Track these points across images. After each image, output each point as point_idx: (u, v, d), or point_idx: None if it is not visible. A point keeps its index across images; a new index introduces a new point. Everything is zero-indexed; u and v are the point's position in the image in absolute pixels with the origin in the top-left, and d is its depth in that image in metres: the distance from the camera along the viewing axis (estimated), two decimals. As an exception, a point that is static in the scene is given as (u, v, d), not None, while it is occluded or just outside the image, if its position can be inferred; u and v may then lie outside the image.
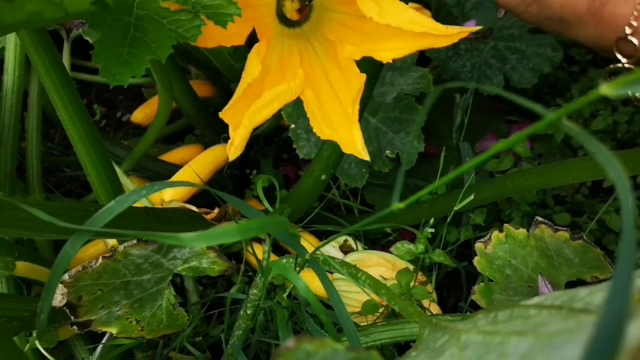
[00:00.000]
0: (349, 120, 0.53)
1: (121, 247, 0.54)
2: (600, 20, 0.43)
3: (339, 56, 0.54)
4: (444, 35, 0.48)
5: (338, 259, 0.54)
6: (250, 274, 0.80)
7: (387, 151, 0.81)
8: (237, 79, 0.97)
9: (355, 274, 0.48)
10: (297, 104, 0.88)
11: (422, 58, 0.89)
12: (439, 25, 0.48)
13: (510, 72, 0.88)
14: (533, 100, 1.07)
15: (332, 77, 0.56)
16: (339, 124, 0.54)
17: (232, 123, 0.49)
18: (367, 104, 0.74)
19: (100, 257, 0.54)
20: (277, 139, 1.04)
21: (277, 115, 0.99)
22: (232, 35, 0.47)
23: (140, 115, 0.98)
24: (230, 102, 0.49)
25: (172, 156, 0.95)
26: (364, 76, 0.52)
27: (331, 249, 0.79)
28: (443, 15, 0.95)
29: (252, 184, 0.97)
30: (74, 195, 0.99)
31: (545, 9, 0.44)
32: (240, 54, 0.92)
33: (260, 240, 0.84)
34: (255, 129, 1.03)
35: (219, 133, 0.97)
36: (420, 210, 0.80)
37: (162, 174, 0.90)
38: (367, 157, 0.52)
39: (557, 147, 0.93)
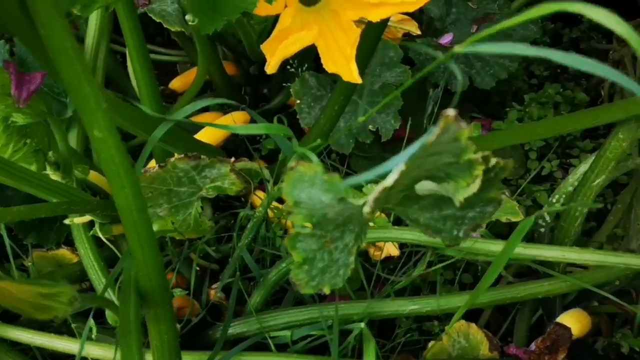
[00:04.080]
0: (348, 59, 0.75)
1: (172, 159, 0.76)
2: None
3: (342, 20, 0.77)
4: (412, 3, 0.72)
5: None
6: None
7: (370, 126, 1.04)
8: (258, 60, 1.21)
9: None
10: (304, 84, 1.10)
11: (406, 58, 1.11)
12: None
13: (475, 75, 1.11)
14: (499, 104, 1.30)
15: (336, 34, 0.79)
16: (340, 63, 0.77)
17: (270, 52, 0.72)
18: (359, 91, 0.97)
19: (157, 166, 0.76)
20: (284, 114, 1.27)
21: (285, 94, 1.22)
22: (275, 6, 0.70)
23: (178, 83, 1.21)
24: (268, 40, 0.72)
25: (198, 118, 1.17)
26: (358, 30, 0.75)
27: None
28: (429, 29, 1.18)
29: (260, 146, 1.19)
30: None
31: None
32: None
33: (263, 189, 1.06)
34: (265, 104, 1.26)
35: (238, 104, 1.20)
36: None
37: (191, 130, 1.12)
38: (359, 80, 0.75)
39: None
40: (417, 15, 1.20)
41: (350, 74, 0.75)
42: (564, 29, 1.44)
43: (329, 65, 0.76)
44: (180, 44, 1.19)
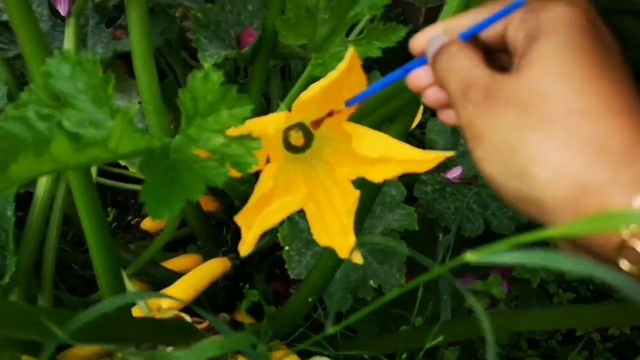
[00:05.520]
0: (345, 229, 0.60)
1: (120, 354, 0.59)
2: (585, 213, 0.35)
3: (337, 176, 0.63)
4: (424, 160, 0.57)
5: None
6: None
7: (371, 280, 0.88)
8: (240, 198, 1.06)
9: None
10: (293, 228, 0.96)
11: (410, 197, 0.97)
12: (420, 151, 0.57)
13: (491, 217, 0.96)
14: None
15: (331, 193, 0.64)
16: (336, 232, 0.62)
17: (245, 225, 0.57)
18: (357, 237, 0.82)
19: (101, 360, 0.59)
20: (271, 256, 1.12)
21: (273, 234, 1.07)
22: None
23: (149, 223, 1.06)
24: (244, 208, 0.57)
25: (173, 263, 1.01)
26: (357, 192, 0.60)
27: (312, 369, 0.84)
28: (433, 160, 1.05)
29: (244, 296, 1.03)
30: (77, 292, 1.05)
31: (526, 186, 0.37)
32: (246, 179, 1.02)
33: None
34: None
35: (219, 246, 1.05)
36: (397, 339, 0.86)
37: (163, 279, 0.96)
38: (360, 261, 0.59)
39: (534, 292, 1.00)
40: (422, 146, 1.08)
41: (347, 249, 0.59)
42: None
43: (321, 236, 0.61)
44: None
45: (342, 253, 0.60)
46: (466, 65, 0.41)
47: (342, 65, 0.54)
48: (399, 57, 0.86)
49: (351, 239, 0.59)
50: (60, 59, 0.56)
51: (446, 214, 0.96)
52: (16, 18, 0.56)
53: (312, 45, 0.74)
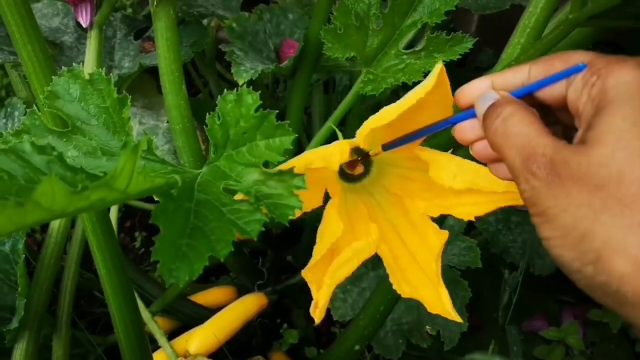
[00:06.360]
0: (431, 278, 0.50)
1: None
2: None
3: (410, 212, 0.52)
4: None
5: None
6: None
7: (428, 327, 0.77)
8: (278, 225, 0.96)
9: None
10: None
11: (470, 227, 0.86)
12: None
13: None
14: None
15: (402, 232, 0.53)
16: (417, 281, 0.51)
17: (314, 283, 0.48)
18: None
19: None
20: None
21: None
22: (307, 202, 0.45)
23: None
24: (312, 261, 0.48)
25: (204, 297, 0.92)
26: (445, 233, 0.49)
27: None
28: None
29: (281, 335, 0.93)
30: (100, 325, 0.97)
31: (602, 275, 0.34)
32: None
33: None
34: (289, 275, 1.01)
35: (254, 279, 0.95)
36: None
37: (192, 317, 0.87)
38: (458, 319, 0.49)
39: (613, 336, 0.87)
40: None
41: (439, 303, 0.49)
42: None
43: (400, 286, 0.50)
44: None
45: (432, 307, 0.49)
46: (525, 132, 0.37)
47: (428, 83, 0.44)
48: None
49: (443, 291, 0.48)
50: (68, 77, 0.47)
51: (512, 248, 0.84)
52: (16, 31, 0.48)
53: (362, 58, 0.63)
